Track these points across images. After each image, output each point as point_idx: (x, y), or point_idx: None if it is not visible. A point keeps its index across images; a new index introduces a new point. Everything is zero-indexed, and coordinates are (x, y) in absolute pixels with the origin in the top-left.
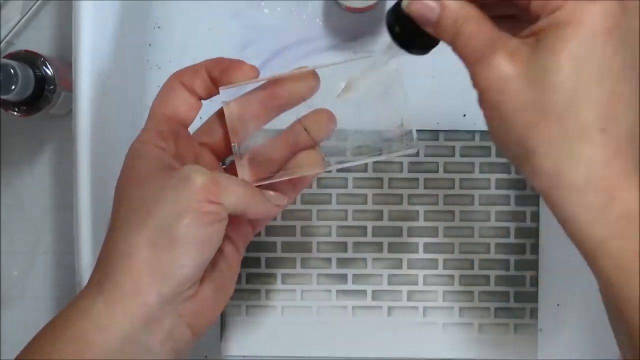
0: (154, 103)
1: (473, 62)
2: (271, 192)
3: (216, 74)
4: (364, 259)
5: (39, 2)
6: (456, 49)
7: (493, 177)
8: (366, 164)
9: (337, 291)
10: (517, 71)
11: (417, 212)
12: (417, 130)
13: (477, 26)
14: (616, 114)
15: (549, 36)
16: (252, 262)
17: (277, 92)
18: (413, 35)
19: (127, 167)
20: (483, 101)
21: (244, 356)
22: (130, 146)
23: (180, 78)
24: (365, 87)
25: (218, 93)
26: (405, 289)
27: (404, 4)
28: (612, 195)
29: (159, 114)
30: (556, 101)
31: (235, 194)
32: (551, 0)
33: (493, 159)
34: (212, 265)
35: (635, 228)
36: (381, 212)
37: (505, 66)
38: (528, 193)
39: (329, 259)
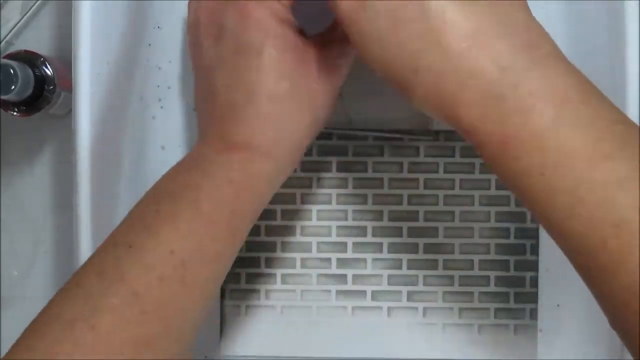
0: None
1: None
2: None
3: None
4: (364, 259)
5: (39, 2)
6: None
7: (493, 177)
8: (366, 165)
9: (337, 291)
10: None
11: (417, 212)
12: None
13: None
14: (416, 53)
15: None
16: (252, 262)
17: None
18: None
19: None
20: None
21: (243, 356)
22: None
23: None
24: None
25: None
26: (405, 289)
27: None
28: (455, 115)
29: None
30: (385, 76)
31: None
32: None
33: None
34: None
35: (481, 137)
36: (381, 212)
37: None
38: None
39: (329, 259)
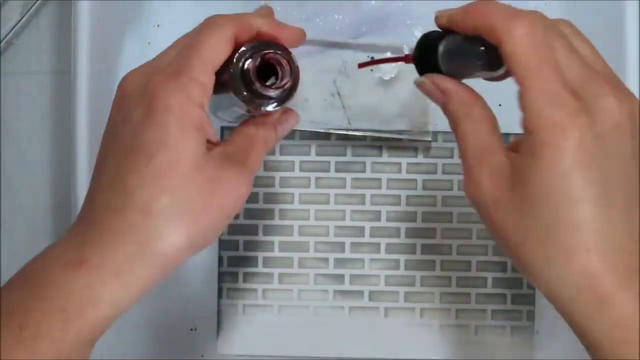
0: (202, 44)
1: (466, 168)
2: None
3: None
4: (362, 260)
5: (38, 2)
6: (456, 138)
7: None
8: (364, 165)
9: (334, 291)
10: (498, 196)
11: (415, 213)
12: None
13: (473, 127)
14: (600, 235)
15: (527, 164)
16: (250, 261)
17: None
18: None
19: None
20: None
21: (240, 355)
22: (159, 85)
23: (236, 29)
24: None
25: None
26: (402, 290)
27: (417, 80)
28: (604, 304)
29: (207, 60)
30: (537, 227)
31: None
32: (533, 118)
33: None
34: None
35: (630, 333)
36: (379, 212)
37: (488, 189)
38: None
39: (327, 259)
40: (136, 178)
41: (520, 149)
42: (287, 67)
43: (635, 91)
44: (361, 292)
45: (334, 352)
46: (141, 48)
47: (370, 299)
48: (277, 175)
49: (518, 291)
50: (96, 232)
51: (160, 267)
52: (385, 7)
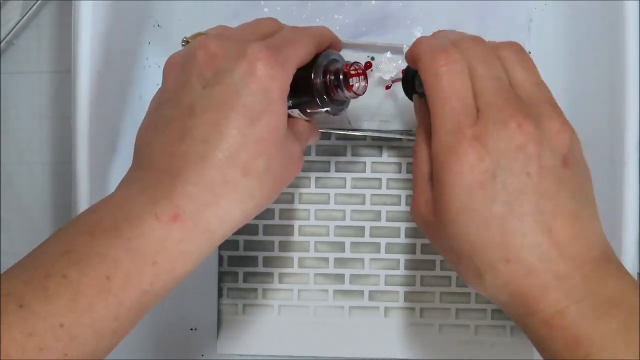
0: (299, 42)
1: (414, 191)
2: None
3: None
4: (362, 259)
5: (39, 2)
6: None
7: None
8: (364, 165)
9: (334, 291)
10: (430, 221)
11: None
12: (413, 131)
13: (421, 156)
14: (514, 247)
15: (437, 189)
16: (249, 260)
17: None
18: None
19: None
20: None
21: (240, 355)
22: (258, 77)
23: (320, 44)
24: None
25: None
26: (402, 289)
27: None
28: (531, 307)
29: (300, 56)
30: (461, 246)
31: None
32: (435, 145)
33: None
34: None
35: (556, 331)
36: (379, 212)
37: (424, 214)
38: None
39: (327, 259)
40: (239, 137)
41: (432, 175)
42: (363, 75)
43: (635, 91)
44: (361, 292)
45: (334, 352)
46: (141, 48)
47: (370, 299)
48: None
49: None
50: (190, 185)
51: (235, 228)
52: (385, 7)
